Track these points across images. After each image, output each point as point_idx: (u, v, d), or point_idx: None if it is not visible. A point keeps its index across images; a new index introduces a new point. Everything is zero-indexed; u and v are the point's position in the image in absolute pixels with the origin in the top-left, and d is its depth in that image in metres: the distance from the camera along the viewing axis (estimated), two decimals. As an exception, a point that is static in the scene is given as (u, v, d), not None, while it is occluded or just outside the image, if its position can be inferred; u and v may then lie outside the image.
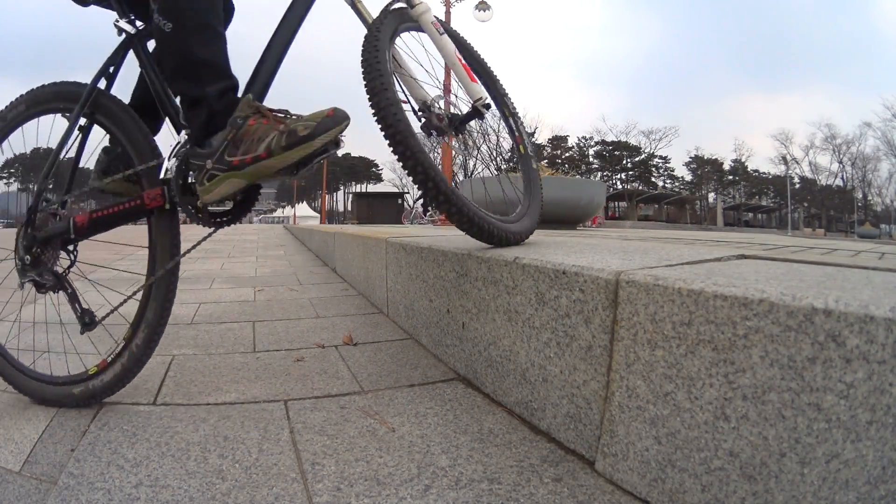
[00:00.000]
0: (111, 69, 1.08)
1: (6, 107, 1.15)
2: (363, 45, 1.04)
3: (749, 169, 50.00)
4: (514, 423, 0.93)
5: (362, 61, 1.01)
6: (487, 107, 1.21)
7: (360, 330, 1.66)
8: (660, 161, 49.55)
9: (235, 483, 0.74)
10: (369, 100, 0.97)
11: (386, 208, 23.87)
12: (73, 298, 1.05)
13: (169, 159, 1.00)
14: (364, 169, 56.39)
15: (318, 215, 41.03)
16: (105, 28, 1.08)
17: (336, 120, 0.91)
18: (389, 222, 21.04)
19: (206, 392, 1.09)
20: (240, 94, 1.00)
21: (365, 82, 0.99)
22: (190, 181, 0.97)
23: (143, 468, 0.77)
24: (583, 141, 50.37)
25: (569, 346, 0.83)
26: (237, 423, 0.94)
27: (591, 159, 49.96)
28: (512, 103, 1.49)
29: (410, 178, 0.98)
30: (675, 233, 4.52)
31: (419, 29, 1.24)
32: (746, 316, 0.57)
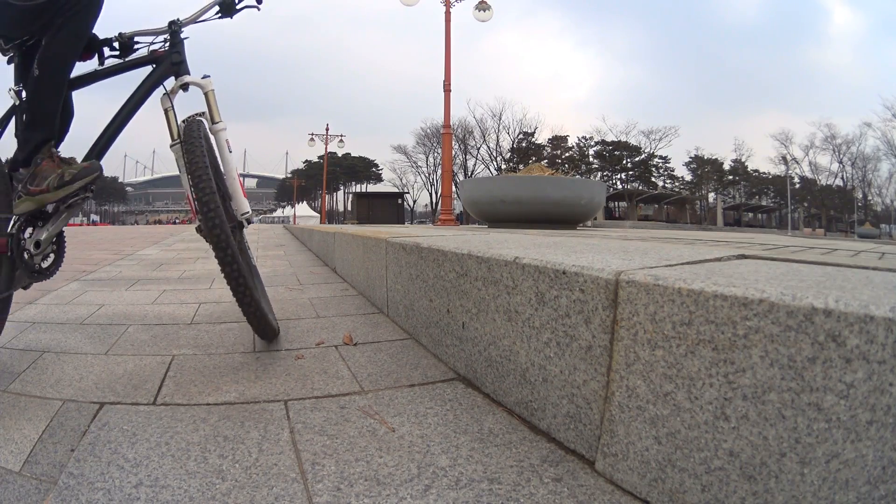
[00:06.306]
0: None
1: None
2: (190, 148, 1.26)
3: (749, 169, 49.91)
4: (514, 423, 0.93)
5: (193, 165, 1.23)
6: (250, 221, 1.52)
7: (360, 330, 1.66)
8: (660, 161, 49.46)
9: (235, 483, 0.74)
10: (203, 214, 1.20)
11: (386, 208, 23.84)
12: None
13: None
14: (364, 169, 56.34)
15: (317, 215, 41.03)
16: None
17: (89, 171, 1.25)
18: (389, 222, 21.03)
19: (206, 392, 1.09)
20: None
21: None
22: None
23: (143, 468, 0.77)
24: (583, 141, 50.33)
25: (569, 346, 0.83)
26: (237, 423, 0.94)
27: (591, 159, 49.89)
28: None
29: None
30: (675, 233, 4.52)
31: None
32: (746, 316, 0.57)
